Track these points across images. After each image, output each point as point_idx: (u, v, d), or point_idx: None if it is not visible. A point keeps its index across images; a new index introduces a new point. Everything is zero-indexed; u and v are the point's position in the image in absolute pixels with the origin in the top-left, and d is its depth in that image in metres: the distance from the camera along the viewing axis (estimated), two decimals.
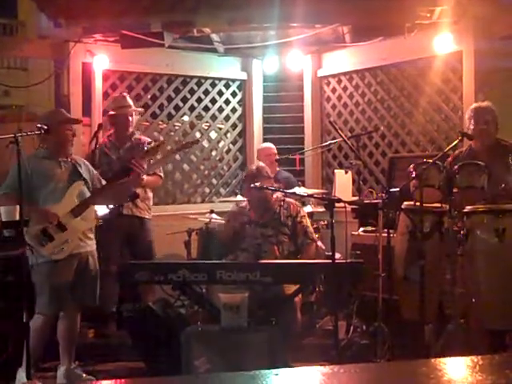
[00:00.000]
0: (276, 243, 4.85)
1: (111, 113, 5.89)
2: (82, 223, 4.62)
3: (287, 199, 5.08)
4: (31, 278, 4.49)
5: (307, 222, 5.05)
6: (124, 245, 5.72)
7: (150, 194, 5.91)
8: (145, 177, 5.43)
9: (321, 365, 4.60)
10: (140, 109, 6.57)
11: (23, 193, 4.47)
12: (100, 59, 6.68)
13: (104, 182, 4.83)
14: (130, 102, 5.97)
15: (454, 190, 4.54)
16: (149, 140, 5.90)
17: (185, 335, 4.20)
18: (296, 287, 4.56)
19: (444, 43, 6.21)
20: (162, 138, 6.27)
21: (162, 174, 5.85)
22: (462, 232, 4.43)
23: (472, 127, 4.89)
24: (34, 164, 4.59)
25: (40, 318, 4.50)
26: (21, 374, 4.43)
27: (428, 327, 4.64)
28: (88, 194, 4.67)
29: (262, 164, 5.26)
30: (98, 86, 6.79)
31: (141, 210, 5.74)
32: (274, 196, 5.03)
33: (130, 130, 5.86)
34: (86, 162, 4.88)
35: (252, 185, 4.75)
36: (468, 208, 4.50)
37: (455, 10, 5.95)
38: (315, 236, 5.00)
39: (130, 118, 5.84)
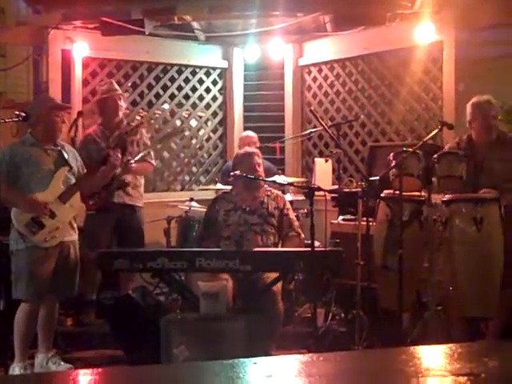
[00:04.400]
0: (260, 232, 4.81)
1: (99, 98, 5.85)
2: (70, 210, 4.61)
3: (273, 189, 5.06)
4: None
5: (292, 213, 5.05)
6: (114, 233, 5.69)
7: (142, 181, 5.88)
8: (135, 165, 5.43)
9: (299, 352, 4.65)
10: (126, 94, 6.53)
11: (10, 180, 4.46)
12: (79, 46, 6.61)
13: (85, 171, 4.81)
14: (117, 86, 5.93)
15: (433, 179, 4.57)
16: (126, 121, 5.88)
17: (164, 323, 4.20)
18: (275, 275, 4.57)
19: (425, 33, 6.22)
20: (139, 118, 6.22)
21: (153, 162, 5.83)
22: (440, 221, 4.47)
23: (479, 121, 4.83)
24: (22, 151, 4.56)
25: (25, 307, 4.49)
26: (14, 369, 4.45)
27: (406, 315, 4.68)
28: (73, 181, 4.64)
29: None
30: (78, 73, 6.72)
31: (132, 198, 5.70)
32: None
33: (120, 115, 5.81)
34: (74, 150, 4.85)
35: (243, 174, 4.71)
36: (447, 197, 4.54)
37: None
38: (299, 229, 4.96)
39: (119, 103, 5.79)
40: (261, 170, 4.95)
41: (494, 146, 4.78)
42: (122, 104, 5.87)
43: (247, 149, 5.27)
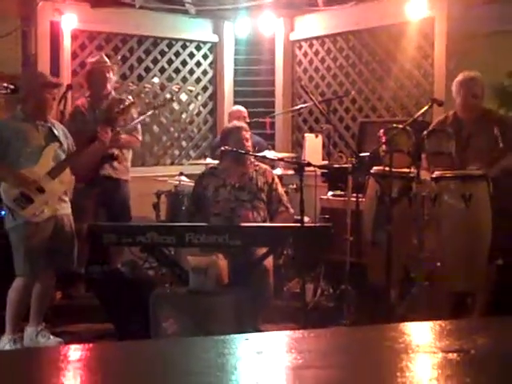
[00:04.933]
0: (251, 208, 4.76)
1: (87, 69, 5.81)
2: (60, 185, 4.59)
3: (261, 164, 5.00)
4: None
5: (281, 189, 5.00)
6: (99, 206, 5.68)
7: (129, 155, 5.85)
8: (125, 137, 5.43)
9: (288, 327, 4.68)
10: (116, 67, 6.47)
11: None
12: (68, 18, 6.53)
13: (75, 148, 4.79)
14: (107, 60, 5.88)
15: (423, 156, 4.58)
16: (118, 96, 5.83)
17: (153, 297, 4.21)
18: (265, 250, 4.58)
19: (416, 9, 6.19)
20: (131, 98, 6.17)
21: (139, 136, 5.80)
22: (429, 197, 4.49)
23: (460, 99, 4.85)
24: (13, 126, 4.55)
25: (20, 281, 4.50)
26: (4, 341, 4.46)
27: (394, 290, 4.72)
28: (63, 156, 4.62)
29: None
30: (67, 45, 6.65)
31: (117, 172, 5.67)
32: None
33: (109, 88, 5.77)
34: (64, 128, 4.82)
35: (231, 148, 4.68)
36: (436, 173, 4.56)
37: None
38: (288, 204, 4.93)
39: (107, 75, 5.74)
40: (249, 144, 4.90)
41: (478, 122, 4.79)
42: (111, 76, 5.82)
43: (235, 123, 5.23)
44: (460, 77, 4.88)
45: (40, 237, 4.48)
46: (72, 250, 4.67)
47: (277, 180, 4.98)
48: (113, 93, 5.88)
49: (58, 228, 4.58)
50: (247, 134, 4.92)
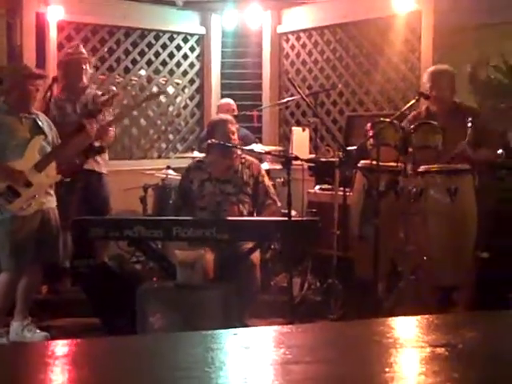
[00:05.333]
0: (236, 202, 4.74)
1: (65, 58, 5.76)
2: (46, 178, 4.56)
3: (248, 157, 4.96)
4: None
5: (268, 180, 4.96)
6: (82, 199, 5.65)
7: (106, 148, 5.84)
8: (111, 130, 5.42)
9: (275, 321, 4.69)
10: (93, 59, 6.44)
11: None
12: (54, 9, 6.47)
13: (59, 141, 4.76)
14: (84, 51, 5.83)
15: (410, 150, 4.59)
16: (100, 93, 5.80)
17: (140, 292, 4.20)
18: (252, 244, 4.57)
19: (403, 2, 6.20)
20: (115, 89, 6.15)
21: (113, 129, 5.77)
22: (415, 191, 4.50)
23: (429, 91, 4.89)
24: None
25: (5, 276, 4.48)
26: None
27: (381, 284, 4.73)
28: (48, 149, 4.59)
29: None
30: (53, 37, 6.60)
31: (100, 165, 5.67)
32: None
33: (84, 80, 5.73)
34: (48, 119, 4.78)
35: (217, 141, 4.66)
36: (422, 167, 4.57)
37: None
38: (275, 197, 4.90)
39: (84, 67, 5.70)
40: (235, 137, 4.85)
41: (450, 115, 4.81)
42: (88, 68, 5.78)
43: (221, 116, 5.20)
44: (430, 68, 4.93)
45: (26, 231, 4.46)
46: (57, 243, 4.66)
47: (263, 172, 4.94)
48: (92, 86, 5.84)
49: (44, 222, 4.56)
50: (233, 127, 4.87)
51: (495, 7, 5.59)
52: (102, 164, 5.70)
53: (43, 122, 4.66)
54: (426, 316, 1.49)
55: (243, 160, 4.89)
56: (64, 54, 5.99)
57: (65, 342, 1.39)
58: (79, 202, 5.62)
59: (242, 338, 1.37)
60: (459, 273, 4.52)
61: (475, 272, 4.58)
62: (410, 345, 1.34)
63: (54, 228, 4.63)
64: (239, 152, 4.87)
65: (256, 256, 4.58)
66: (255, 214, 4.79)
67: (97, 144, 5.42)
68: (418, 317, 1.47)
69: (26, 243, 4.45)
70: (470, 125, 4.53)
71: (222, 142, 4.65)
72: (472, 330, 1.42)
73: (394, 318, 1.49)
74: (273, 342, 1.35)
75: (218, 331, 1.35)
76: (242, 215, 4.68)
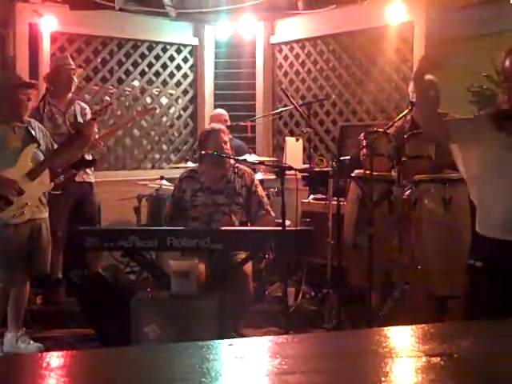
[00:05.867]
0: (228, 213, 4.72)
1: (53, 67, 5.77)
2: (39, 186, 4.55)
3: (241, 166, 4.94)
4: None
5: (261, 191, 4.93)
6: (73, 210, 5.66)
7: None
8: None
9: (270, 331, 4.68)
10: (81, 70, 6.46)
11: None
12: (47, 20, 6.49)
13: (56, 146, 4.75)
14: (71, 61, 5.84)
15: (403, 159, 4.60)
16: (86, 107, 5.82)
17: (134, 302, 4.18)
18: (246, 254, 4.57)
19: (396, 13, 6.24)
20: (108, 99, 6.15)
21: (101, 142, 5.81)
22: (409, 200, 4.51)
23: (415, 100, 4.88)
24: None
25: None
26: None
27: (375, 293, 4.74)
28: (41, 157, 4.58)
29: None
30: (46, 47, 6.61)
31: (89, 176, 5.73)
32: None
33: (72, 90, 5.75)
34: (41, 126, 4.78)
35: (211, 151, 4.66)
36: (416, 177, 4.58)
37: None
38: (269, 207, 4.88)
39: (73, 77, 5.72)
40: (227, 147, 4.83)
41: None
42: (75, 79, 5.81)
43: (213, 125, 5.20)
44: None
45: (17, 240, 4.44)
46: (47, 255, 4.63)
47: (256, 182, 4.92)
48: (86, 97, 5.88)
49: (34, 232, 4.54)
50: (226, 137, 4.86)
51: (485, 18, 5.63)
52: (91, 174, 5.77)
53: (36, 129, 4.65)
54: (422, 325, 1.49)
55: (236, 170, 4.87)
56: (52, 65, 5.99)
57: (59, 353, 1.38)
58: (71, 212, 5.63)
59: (237, 349, 1.37)
60: (454, 282, 4.52)
61: (469, 281, 4.58)
62: (405, 354, 1.34)
63: (45, 239, 4.61)
64: (232, 162, 4.87)
65: (248, 266, 4.57)
66: (249, 225, 4.78)
67: (88, 157, 5.46)
68: (413, 326, 1.48)
69: (18, 252, 4.43)
70: None
71: (214, 152, 4.65)
72: (467, 339, 1.43)
73: (389, 328, 1.50)
74: (268, 352, 1.35)
75: (213, 342, 1.35)
76: (233, 226, 4.66)
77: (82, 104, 5.87)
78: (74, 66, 5.81)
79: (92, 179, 5.78)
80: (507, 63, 3.13)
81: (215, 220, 4.67)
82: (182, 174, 5.02)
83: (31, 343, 4.55)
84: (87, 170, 5.67)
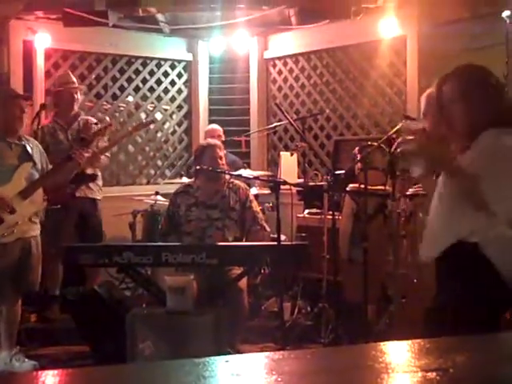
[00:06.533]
0: (222, 228, 4.73)
1: (56, 89, 5.80)
2: (31, 206, 4.52)
3: (236, 181, 4.94)
4: None
5: (256, 206, 4.93)
6: (75, 227, 5.65)
7: (99, 174, 5.85)
8: (103, 157, 5.44)
9: (266, 346, 4.67)
10: (83, 87, 6.49)
11: None
12: (42, 37, 6.51)
13: (50, 167, 4.75)
14: (74, 79, 5.88)
15: (397, 173, 4.61)
16: (95, 121, 5.84)
17: (130, 318, 4.17)
18: (241, 269, 4.56)
19: (389, 27, 6.28)
20: (108, 119, 6.16)
21: (108, 155, 5.80)
22: (404, 214, 4.52)
23: (425, 114, 4.87)
24: None
25: None
26: None
27: (371, 308, 4.73)
28: (36, 176, 4.57)
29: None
30: (40, 64, 6.62)
31: (93, 191, 5.70)
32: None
33: (76, 109, 5.77)
34: (39, 145, 4.77)
35: (206, 166, 4.66)
36: (410, 191, 4.58)
37: None
38: (264, 222, 4.87)
39: (75, 96, 5.74)
40: (223, 162, 4.86)
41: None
42: (79, 97, 5.83)
43: (209, 140, 5.21)
44: (429, 91, 4.91)
45: (7, 258, 4.42)
46: (37, 272, 4.60)
47: (251, 198, 4.93)
48: (82, 114, 5.88)
49: (24, 250, 4.51)
50: (221, 152, 4.88)
51: (477, 32, 5.67)
52: (96, 190, 5.74)
53: (33, 148, 4.64)
54: (418, 340, 1.49)
55: (231, 185, 4.88)
56: (55, 83, 6.02)
57: (54, 371, 1.37)
58: (74, 229, 5.62)
59: (233, 365, 1.36)
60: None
61: None
62: (401, 370, 1.33)
63: (35, 257, 4.58)
64: (227, 177, 4.88)
65: (244, 282, 4.57)
66: (244, 240, 4.78)
67: (89, 171, 5.45)
68: (410, 341, 1.48)
69: (7, 271, 4.41)
70: None
71: (210, 167, 4.66)
72: (463, 354, 1.43)
73: (385, 343, 1.49)
74: (264, 368, 1.34)
75: (209, 358, 1.34)
76: (226, 241, 4.66)
77: (90, 119, 5.87)
78: (76, 85, 5.84)
79: (96, 195, 5.75)
80: (446, 89, 3.09)
81: (208, 235, 4.67)
82: (176, 189, 5.03)
83: (26, 361, 4.52)
84: (91, 186, 5.64)
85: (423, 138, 3.11)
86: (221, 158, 4.85)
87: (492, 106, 2.95)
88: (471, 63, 3.25)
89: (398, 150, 3.14)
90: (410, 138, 3.05)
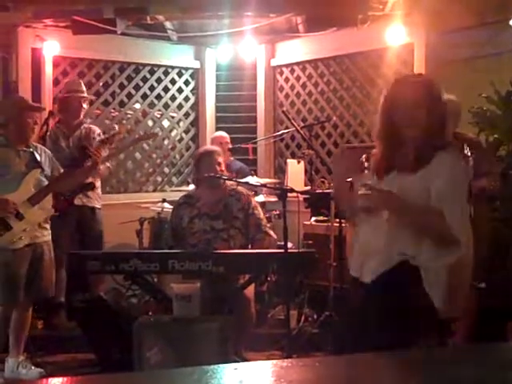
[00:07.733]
0: (227, 238, 4.67)
1: (64, 95, 5.81)
2: (40, 212, 4.54)
3: (238, 188, 4.84)
4: None
5: (259, 212, 4.83)
6: (74, 235, 5.65)
7: (99, 183, 5.85)
8: (101, 166, 5.41)
9: (273, 354, 4.65)
10: (92, 97, 6.51)
11: None
12: (50, 45, 6.53)
13: (61, 170, 4.76)
14: (84, 88, 5.89)
15: None
16: (99, 131, 5.84)
17: (136, 326, 4.16)
18: (248, 277, 4.55)
19: (396, 35, 6.28)
20: (117, 128, 6.17)
21: (109, 165, 5.79)
22: None
23: None
24: None
25: None
26: None
27: None
28: (45, 183, 4.58)
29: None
30: (48, 72, 6.64)
31: (91, 200, 5.70)
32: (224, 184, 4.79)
33: (81, 117, 5.79)
34: (48, 151, 4.79)
35: (206, 174, 4.63)
36: None
37: (407, 2, 6.02)
38: (268, 229, 4.79)
39: (83, 105, 5.77)
40: (222, 168, 4.75)
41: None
42: (85, 107, 5.85)
43: (208, 147, 5.17)
44: None
45: (17, 264, 4.43)
46: (50, 277, 4.62)
47: (254, 204, 4.82)
48: (86, 122, 5.90)
49: (36, 255, 4.52)
50: (220, 158, 4.77)
51: (484, 40, 5.67)
52: (94, 198, 5.72)
53: (42, 154, 4.65)
54: (423, 349, 1.49)
55: (233, 192, 4.79)
56: (63, 89, 6.04)
57: (61, 379, 1.37)
58: (71, 236, 5.62)
59: (241, 373, 1.36)
60: (456, 304, 4.49)
61: (472, 303, 4.55)
62: (406, 378, 1.33)
63: (48, 262, 4.60)
64: (228, 183, 4.79)
65: (250, 289, 4.55)
66: (249, 247, 4.75)
67: (89, 181, 5.45)
68: (418, 349, 1.47)
69: (18, 277, 4.42)
70: (469, 154, 4.54)
71: (211, 175, 4.59)
72: (468, 363, 1.42)
73: (393, 351, 1.49)
74: (272, 376, 1.34)
75: (217, 366, 1.34)
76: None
77: (93, 127, 5.88)
78: (85, 95, 5.85)
79: (95, 204, 5.74)
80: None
81: (213, 247, 4.62)
82: (178, 201, 4.95)
83: (32, 368, 4.52)
84: (88, 194, 5.64)
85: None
86: (219, 164, 4.73)
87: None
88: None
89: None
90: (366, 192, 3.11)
